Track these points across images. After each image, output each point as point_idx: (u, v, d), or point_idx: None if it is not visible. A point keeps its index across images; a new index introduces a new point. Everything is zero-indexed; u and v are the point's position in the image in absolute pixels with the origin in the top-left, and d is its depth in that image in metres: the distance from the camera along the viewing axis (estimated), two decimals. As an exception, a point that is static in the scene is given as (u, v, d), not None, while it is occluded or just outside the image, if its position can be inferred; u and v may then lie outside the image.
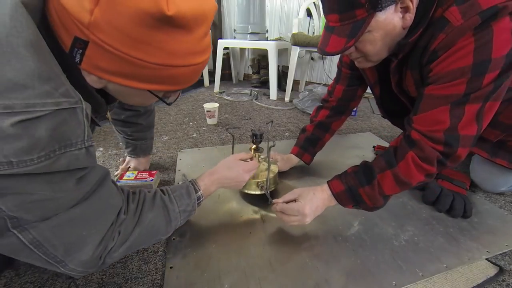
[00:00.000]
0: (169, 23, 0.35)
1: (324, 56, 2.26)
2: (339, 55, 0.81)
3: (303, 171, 0.99)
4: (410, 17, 0.54)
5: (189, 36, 0.39)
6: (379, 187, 0.59)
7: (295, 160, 0.96)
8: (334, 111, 0.92)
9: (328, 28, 0.58)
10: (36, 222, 0.36)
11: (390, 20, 0.53)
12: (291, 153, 0.97)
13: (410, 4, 0.52)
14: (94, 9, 0.33)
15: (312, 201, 0.63)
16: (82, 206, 0.40)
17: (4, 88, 0.29)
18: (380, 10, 0.51)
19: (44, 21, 0.36)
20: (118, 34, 0.35)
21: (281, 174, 0.94)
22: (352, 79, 0.87)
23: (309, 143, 0.95)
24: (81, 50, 0.36)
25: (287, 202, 0.65)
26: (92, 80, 0.40)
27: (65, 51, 0.36)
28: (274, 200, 0.68)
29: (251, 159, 0.72)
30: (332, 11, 0.55)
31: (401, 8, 0.53)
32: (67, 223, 0.39)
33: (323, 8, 0.58)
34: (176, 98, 0.52)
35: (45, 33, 0.34)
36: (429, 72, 0.56)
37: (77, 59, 0.37)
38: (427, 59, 0.56)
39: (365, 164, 0.62)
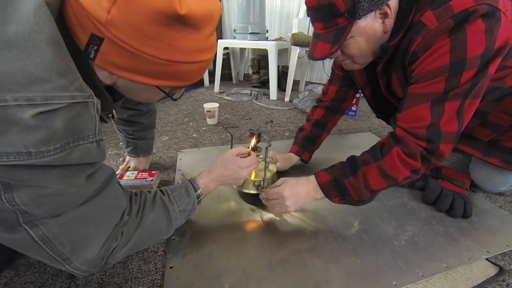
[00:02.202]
0: (181, 21, 0.38)
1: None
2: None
3: (303, 171, 0.99)
4: (389, 22, 0.58)
5: (197, 34, 0.41)
6: (364, 179, 0.61)
7: (295, 159, 0.98)
8: (328, 111, 0.96)
9: (315, 35, 0.63)
10: (46, 219, 0.37)
11: (371, 26, 0.58)
12: (290, 152, 0.98)
13: (388, 10, 0.56)
14: (112, 8, 0.35)
15: (293, 186, 0.67)
16: (90, 205, 0.41)
17: (26, 81, 0.31)
18: (359, 18, 0.56)
19: (60, 19, 0.37)
20: (132, 31, 0.37)
21: (281, 174, 0.93)
22: (344, 80, 0.90)
23: (308, 141, 0.96)
24: (96, 47, 0.38)
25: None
26: (103, 75, 0.42)
27: (78, 48, 0.38)
28: (264, 191, 0.72)
29: (249, 154, 0.72)
30: (317, 20, 0.60)
31: (380, 14, 0.57)
32: (75, 221, 0.40)
33: (309, 17, 0.62)
34: (182, 95, 0.54)
35: (61, 30, 0.36)
36: (412, 72, 0.59)
37: (92, 55, 0.38)
38: (409, 60, 0.59)
39: (351, 157, 0.65)
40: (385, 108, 0.82)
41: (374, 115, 0.95)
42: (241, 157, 0.68)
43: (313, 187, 0.67)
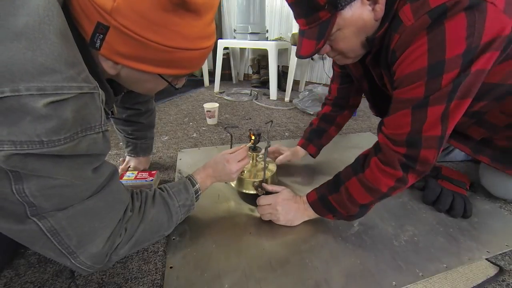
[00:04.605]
0: (184, 7, 0.39)
1: (323, 56, 2.26)
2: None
3: (303, 171, 0.99)
4: (380, 8, 0.52)
5: (199, 20, 0.42)
6: (348, 194, 0.60)
7: (301, 153, 0.97)
8: (335, 107, 0.94)
9: (300, 32, 0.59)
10: (54, 211, 0.38)
11: (359, 15, 0.52)
12: (297, 145, 0.98)
13: None
14: None
15: (286, 201, 0.70)
16: (95, 199, 0.42)
17: (37, 71, 0.31)
18: (343, 8, 0.50)
19: (65, 10, 0.38)
20: (138, 18, 0.38)
21: (281, 174, 0.94)
22: (343, 77, 0.88)
23: (314, 134, 0.95)
24: (101, 36, 0.38)
25: (270, 192, 0.73)
26: (108, 66, 0.43)
27: (84, 39, 0.39)
28: (263, 184, 0.75)
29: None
30: (299, 16, 0.56)
31: (368, 0, 0.51)
32: (81, 214, 0.41)
33: (293, 14, 0.59)
34: (183, 84, 0.56)
35: (66, 21, 0.36)
36: (394, 75, 0.55)
37: (97, 45, 0.39)
38: (390, 59, 0.55)
39: (337, 174, 0.66)
40: (383, 103, 0.77)
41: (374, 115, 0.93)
42: (231, 153, 0.71)
43: (303, 205, 0.70)
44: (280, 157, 0.95)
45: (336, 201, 0.62)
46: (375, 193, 0.57)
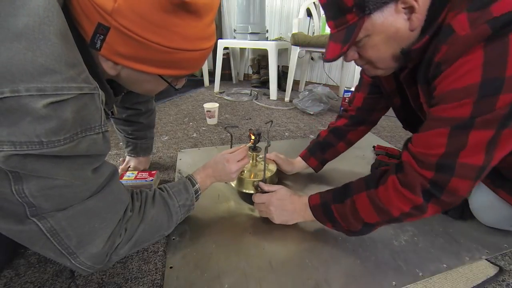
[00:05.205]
0: (184, 8, 0.39)
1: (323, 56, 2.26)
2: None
3: (302, 171, 0.98)
4: (417, 18, 0.47)
5: (199, 21, 0.42)
6: (353, 208, 0.56)
7: (299, 164, 0.92)
8: (352, 121, 0.85)
9: (329, 35, 0.56)
10: (53, 212, 0.38)
11: (391, 22, 0.47)
12: (299, 156, 0.93)
13: (414, 3, 0.45)
14: None
15: (282, 201, 0.68)
16: (96, 199, 0.42)
17: (37, 72, 0.31)
18: (370, 13, 0.46)
19: (65, 11, 0.38)
20: (138, 19, 0.38)
21: (281, 174, 0.93)
22: (374, 87, 0.78)
23: (318, 147, 0.89)
24: (102, 36, 0.39)
25: (267, 191, 0.72)
26: (108, 66, 0.43)
27: (84, 40, 0.40)
28: (260, 184, 0.75)
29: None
30: (329, 18, 0.53)
31: (403, 8, 0.46)
32: (81, 215, 0.41)
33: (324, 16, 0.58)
34: (183, 84, 0.56)
35: (67, 22, 0.36)
36: (434, 90, 0.47)
37: (98, 45, 0.39)
38: (432, 73, 0.47)
39: (347, 183, 0.61)
40: (416, 120, 0.64)
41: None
42: (230, 153, 0.71)
43: (301, 206, 0.66)
44: (275, 155, 0.91)
45: (339, 212, 0.58)
46: (384, 215, 0.52)
